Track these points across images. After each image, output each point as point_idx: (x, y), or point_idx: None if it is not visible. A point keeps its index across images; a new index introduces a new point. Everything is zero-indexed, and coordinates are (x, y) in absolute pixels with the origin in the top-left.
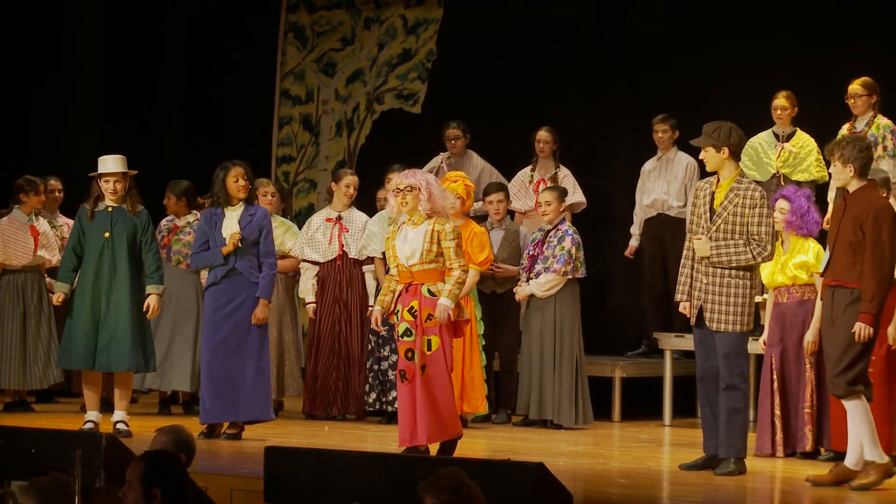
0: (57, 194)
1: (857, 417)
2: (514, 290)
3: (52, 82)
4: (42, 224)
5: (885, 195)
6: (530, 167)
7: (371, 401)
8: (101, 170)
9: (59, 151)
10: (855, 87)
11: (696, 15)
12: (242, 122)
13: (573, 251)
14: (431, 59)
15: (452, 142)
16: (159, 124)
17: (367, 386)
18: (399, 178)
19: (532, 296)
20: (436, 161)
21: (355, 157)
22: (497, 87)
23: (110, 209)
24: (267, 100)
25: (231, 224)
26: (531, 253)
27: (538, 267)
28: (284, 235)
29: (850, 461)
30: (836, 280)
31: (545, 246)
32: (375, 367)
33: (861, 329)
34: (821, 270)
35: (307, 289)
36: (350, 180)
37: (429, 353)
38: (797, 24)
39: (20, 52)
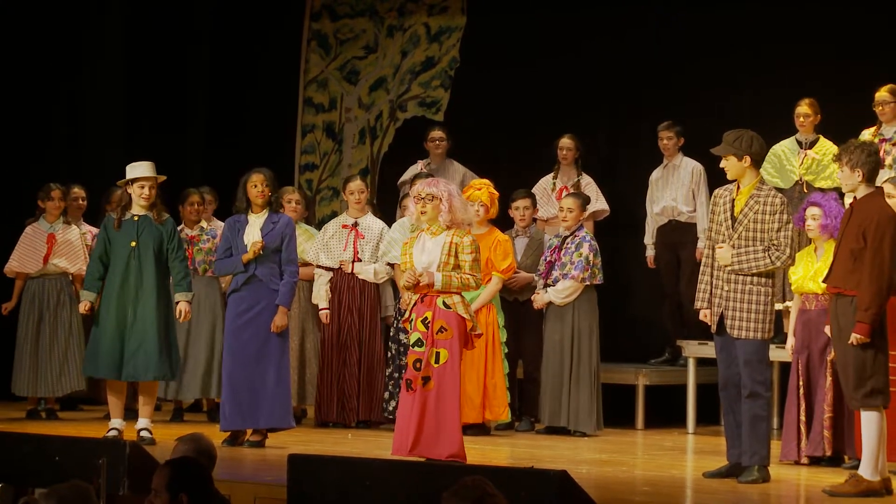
0: (80, 202)
1: (868, 429)
2: (532, 298)
3: (76, 92)
4: (69, 233)
5: None
6: (552, 175)
7: (392, 409)
8: (133, 174)
9: (83, 161)
10: (882, 94)
11: (719, 20)
12: (266, 130)
13: (591, 257)
14: (454, 67)
15: (437, 142)
16: (183, 133)
17: (388, 394)
18: (421, 186)
19: (550, 303)
20: (415, 168)
21: (378, 164)
22: (520, 94)
23: (136, 218)
24: (290, 108)
25: (253, 231)
26: (548, 259)
27: (556, 273)
28: (307, 243)
29: (865, 471)
30: (836, 287)
31: (562, 252)
32: (396, 374)
33: (855, 339)
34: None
35: (321, 295)
36: (353, 186)
37: (436, 365)
38: (820, 30)
39: (44, 61)
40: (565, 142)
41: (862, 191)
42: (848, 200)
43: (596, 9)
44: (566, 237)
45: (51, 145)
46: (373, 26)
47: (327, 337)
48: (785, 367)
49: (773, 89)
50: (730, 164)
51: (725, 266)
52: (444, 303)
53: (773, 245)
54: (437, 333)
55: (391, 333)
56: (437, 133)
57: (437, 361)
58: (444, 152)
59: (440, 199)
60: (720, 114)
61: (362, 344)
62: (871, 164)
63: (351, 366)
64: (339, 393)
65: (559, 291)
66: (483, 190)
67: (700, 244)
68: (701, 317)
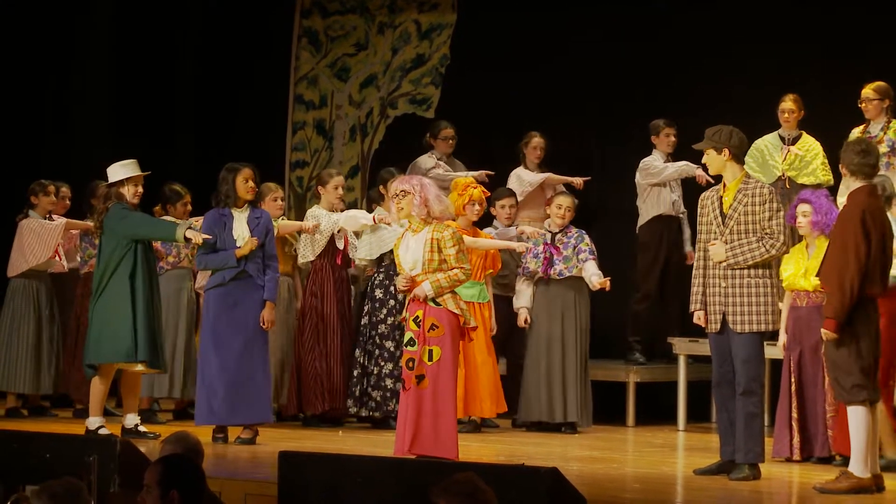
0: (67, 201)
1: (856, 425)
2: (594, 281)
3: (64, 90)
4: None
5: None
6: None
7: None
8: (127, 174)
9: (71, 160)
10: (867, 91)
11: (717, 18)
12: (256, 126)
13: (593, 247)
14: (445, 64)
15: (450, 141)
16: (173, 130)
17: (380, 394)
18: (396, 183)
19: (536, 298)
20: (429, 162)
21: (369, 161)
22: (511, 92)
23: None
24: (281, 105)
25: (241, 226)
26: (545, 255)
27: (558, 266)
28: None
29: (854, 468)
30: (824, 284)
31: (562, 246)
32: (375, 370)
33: (824, 336)
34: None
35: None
36: (339, 181)
37: (429, 363)
38: (808, 29)
39: (33, 62)
40: (539, 141)
41: (852, 185)
42: (841, 200)
43: (587, 6)
44: (555, 233)
45: (40, 148)
46: (363, 23)
47: (305, 326)
48: (775, 364)
49: (764, 87)
50: (710, 159)
51: (720, 262)
52: (433, 300)
53: (767, 234)
54: (428, 331)
55: (364, 332)
56: (449, 131)
57: (430, 359)
58: (452, 150)
59: (412, 194)
60: (716, 113)
61: (335, 336)
62: (857, 160)
63: (323, 356)
64: (313, 385)
65: (597, 272)
66: (479, 188)
67: (687, 248)
68: (695, 320)
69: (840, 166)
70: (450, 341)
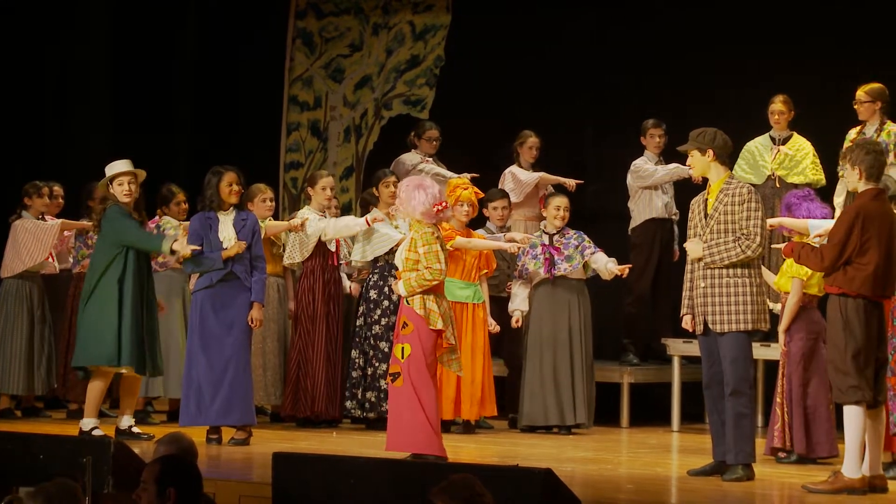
0: (60, 200)
1: (850, 425)
2: (610, 268)
3: (64, 91)
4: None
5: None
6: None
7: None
8: (113, 171)
9: (69, 162)
10: (860, 93)
11: (703, 17)
12: (251, 128)
13: (593, 245)
14: (439, 65)
15: (434, 143)
16: (168, 130)
17: (375, 395)
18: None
19: (547, 299)
20: (414, 158)
21: (363, 163)
22: (505, 92)
23: None
24: (275, 106)
25: (227, 228)
26: (545, 256)
27: (563, 265)
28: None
29: (846, 469)
30: (829, 285)
31: (562, 246)
32: (368, 372)
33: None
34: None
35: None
36: (328, 181)
37: (402, 360)
38: (802, 27)
39: (32, 63)
40: (535, 141)
41: (861, 187)
42: (838, 199)
43: (583, 7)
44: (553, 234)
45: (39, 148)
46: (358, 24)
47: (296, 328)
48: (770, 365)
49: (757, 85)
50: (695, 160)
51: (697, 259)
52: (406, 299)
53: (743, 234)
54: (401, 329)
55: (360, 334)
56: (434, 132)
57: (402, 356)
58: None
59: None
60: (710, 112)
61: (327, 338)
62: (870, 161)
63: (320, 360)
64: (308, 387)
65: (609, 261)
66: (469, 189)
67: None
68: (683, 324)
69: (848, 165)
70: (418, 340)
